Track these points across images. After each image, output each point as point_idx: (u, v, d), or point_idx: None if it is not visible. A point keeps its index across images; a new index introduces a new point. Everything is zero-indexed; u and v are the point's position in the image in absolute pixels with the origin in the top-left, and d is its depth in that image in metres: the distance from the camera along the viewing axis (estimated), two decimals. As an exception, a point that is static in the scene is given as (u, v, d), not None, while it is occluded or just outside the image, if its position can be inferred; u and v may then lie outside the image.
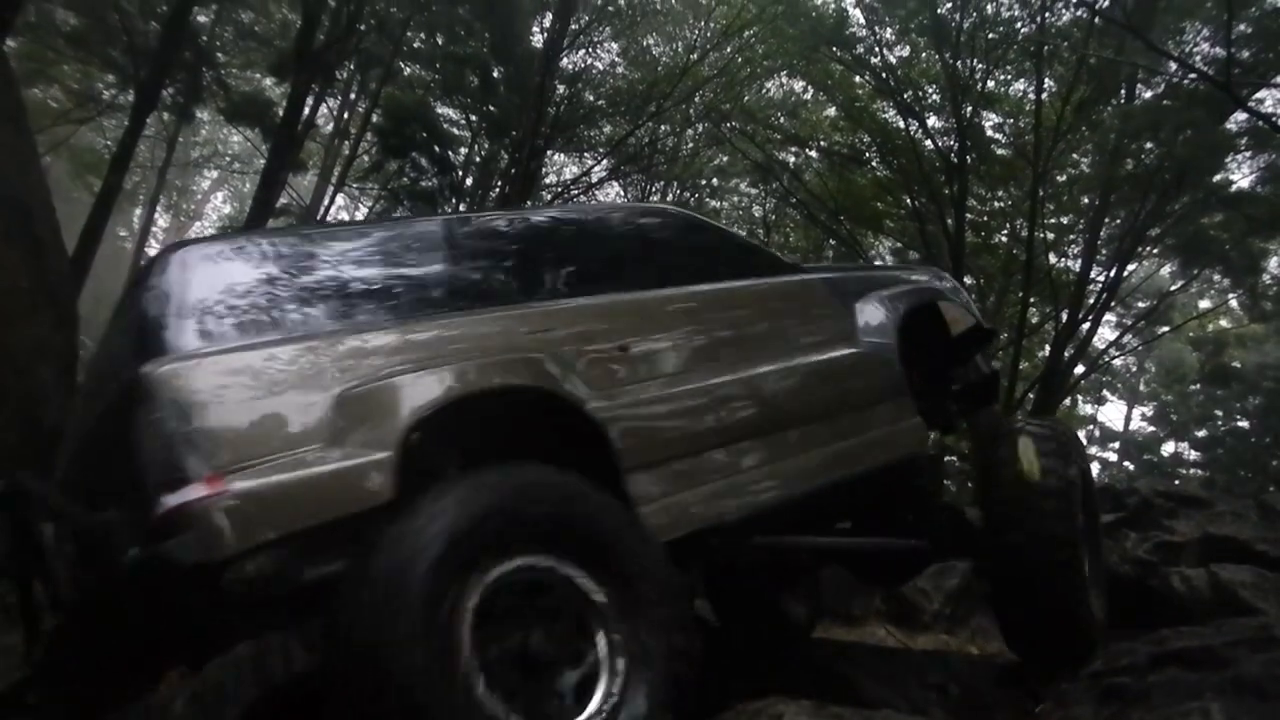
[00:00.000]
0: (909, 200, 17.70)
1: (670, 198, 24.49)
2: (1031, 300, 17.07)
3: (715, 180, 24.78)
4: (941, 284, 5.22)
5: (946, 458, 16.38)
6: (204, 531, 2.38)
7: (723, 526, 3.45)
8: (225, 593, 2.44)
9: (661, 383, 3.52)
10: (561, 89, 18.21)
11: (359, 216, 22.76)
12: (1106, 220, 17.05)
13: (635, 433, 3.26)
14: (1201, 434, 29.95)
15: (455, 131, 18.97)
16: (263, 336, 2.90)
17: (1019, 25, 16.25)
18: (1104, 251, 17.26)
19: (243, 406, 2.63)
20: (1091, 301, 16.93)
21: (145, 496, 2.45)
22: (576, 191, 20.08)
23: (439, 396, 2.85)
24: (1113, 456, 36.24)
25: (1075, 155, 17.66)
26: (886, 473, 4.29)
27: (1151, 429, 35.12)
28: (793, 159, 20.97)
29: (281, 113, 14.46)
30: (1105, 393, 35.14)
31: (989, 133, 17.81)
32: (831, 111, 19.91)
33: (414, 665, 2.21)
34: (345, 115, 21.26)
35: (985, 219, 18.51)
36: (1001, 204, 18.41)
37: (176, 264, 3.03)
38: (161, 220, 36.31)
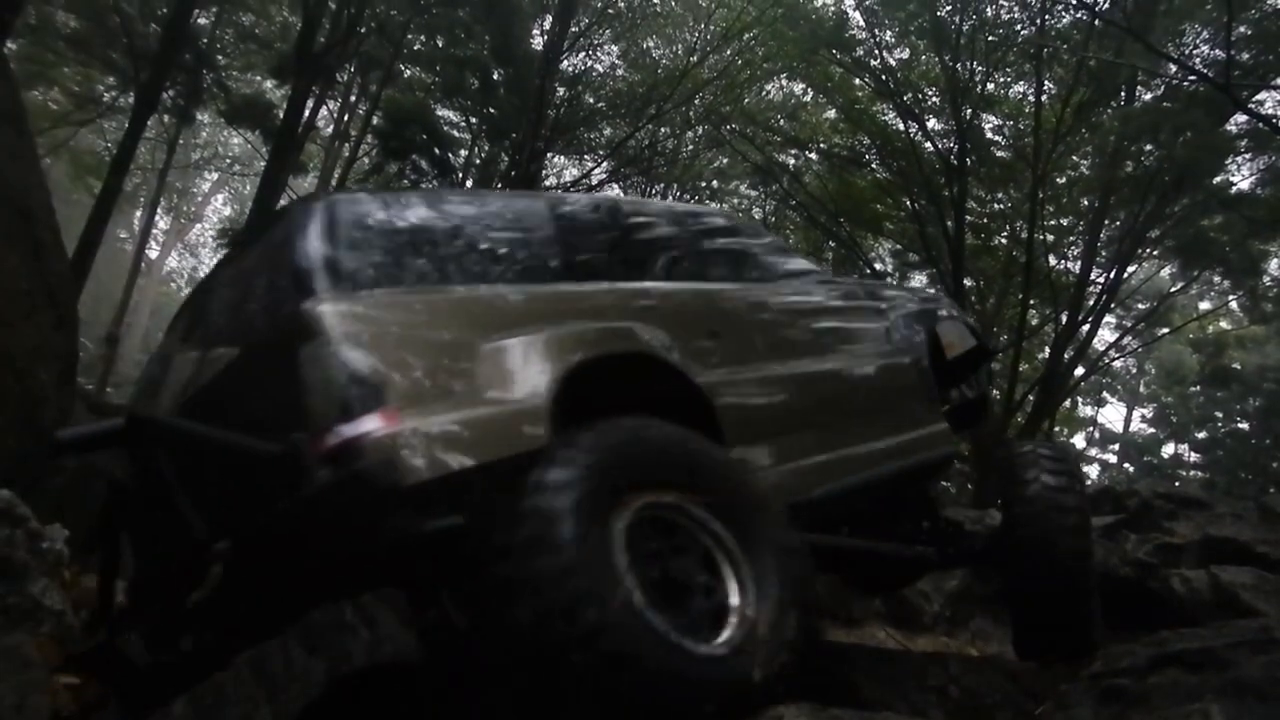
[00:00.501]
0: (909, 202, 17.72)
1: (670, 199, 24.53)
2: (1031, 302, 17.08)
3: (715, 182, 24.78)
4: (939, 308, 5.60)
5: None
6: (384, 461, 2.50)
7: (803, 504, 3.63)
8: (392, 526, 2.55)
9: (749, 367, 3.82)
10: (561, 91, 18.23)
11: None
12: (1106, 222, 17.07)
13: (732, 408, 3.48)
14: (1201, 436, 29.97)
15: (455, 134, 18.97)
16: (410, 284, 3.05)
17: (1019, 28, 16.28)
18: (1104, 253, 17.27)
19: (411, 346, 2.79)
20: (1091, 303, 16.95)
21: (314, 426, 2.56)
22: (577, 194, 20.08)
23: (582, 353, 3.07)
24: (1113, 458, 36.27)
25: (1075, 157, 17.68)
26: (922, 470, 4.74)
27: (1151, 431, 35.15)
28: (793, 161, 21.01)
29: (282, 115, 14.48)
30: (1105, 394, 35.19)
31: (989, 135, 17.84)
32: (831, 114, 19.95)
33: (580, 587, 2.30)
34: (345, 117, 21.26)
35: (985, 221, 18.52)
36: (1001, 206, 18.43)
37: (327, 210, 3.13)
38: (162, 222, 36.40)
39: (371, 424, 2.54)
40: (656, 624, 2.39)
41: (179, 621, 2.90)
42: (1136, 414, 37.55)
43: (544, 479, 2.50)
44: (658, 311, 3.57)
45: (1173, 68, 14.15)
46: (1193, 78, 13.65)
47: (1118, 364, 30.27)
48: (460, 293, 3.13)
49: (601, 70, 20.40)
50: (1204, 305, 25.14)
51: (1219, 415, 29.34)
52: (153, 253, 37.98)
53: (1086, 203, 17.58)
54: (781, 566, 2.79)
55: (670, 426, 2.92)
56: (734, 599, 2.68)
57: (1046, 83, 16.12)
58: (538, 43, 17.93)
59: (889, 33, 17.34)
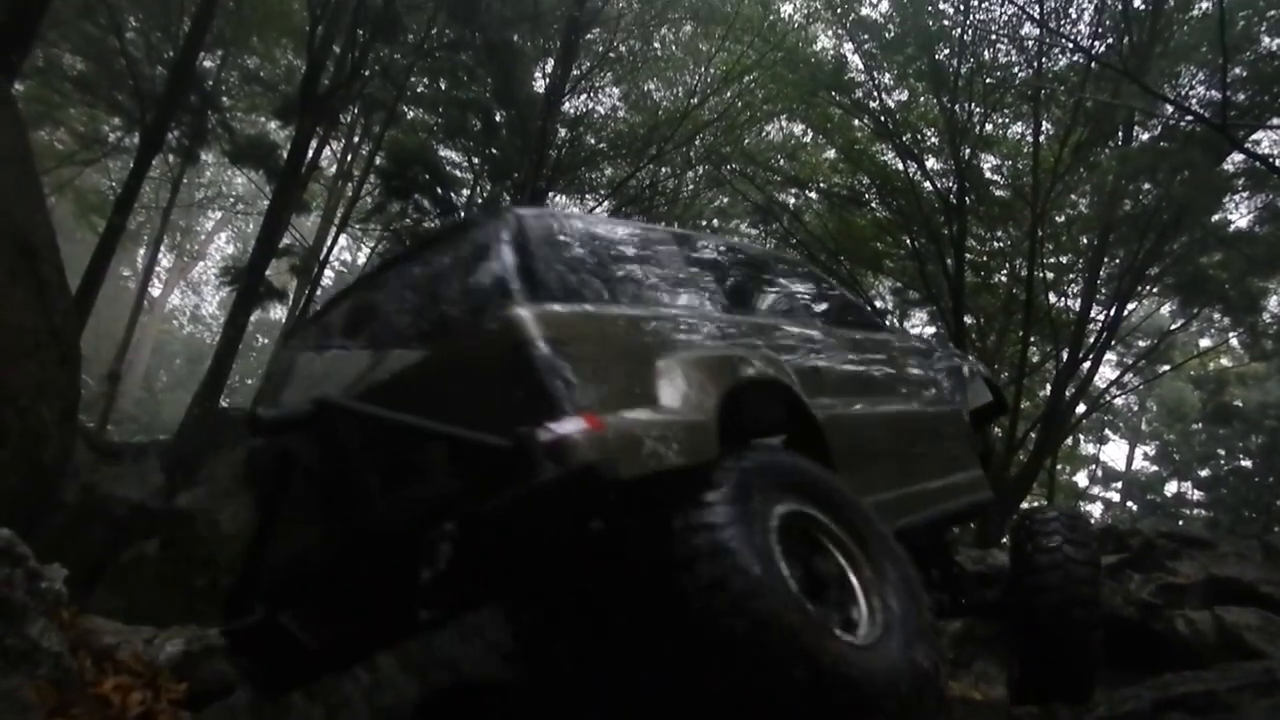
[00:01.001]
0: (908, 241, 17.79)
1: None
2: (1032, 339, 17.09)
3: (716, 221, 24.88)
4: (964, 363, 6.07)
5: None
6: (600, 458, 2.71)
7: None
8: (602, 517, 2.83)
9: (848, 401, 4.22)
10: (563, 132, 18.38)
11: (361, 258, 22.74)
12: (1106, 260, 17.10)
13: (838, 438, 3.76)
14: (1204, 473, 29.81)
15: (457, 174, 19.10)
16: (590, 298, 3.34)
17: (1016, 70, 16.45)
18: (1104, 291, 17.29)
19: (606, 356, 3.10)
20: (1092, 340, 16.94)
21: (527, 422, 2.73)
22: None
23: (741, 376, 3.42)
24: (1115, 496, 36.08)
25: (1074, 196, 17.75)
26: (967, 513, 5.33)
27: (1154, 468, 34.98)
28: (793, 200, 21.10)
29: (286, 155, 14.59)
30: (1107, 432, 35.10)
31: (987, 174, 17.94)
32: (831, 154, 20.09)
33: (754, 580, 2.64)
34: (349, 157, 21.42)
35: (985, 259, 18.58)
36: (1001, 244, 18.50)
37: (522, 222, 3.39)
38: (165, 260, 36.54)
39: (578, 424, 2.74)
40: (814, 614, 2.73)
41: (417, 596, 2.95)
42: (1139, 451, 37.45)
43: (723, 488, 2.85)
44: (788, 345, 4.02)
45: (1169, 108, 14.28)
46: (1190, 118, 13.78)
47: (1119, 401, 30.20)
48: (640, 311, 3.48)
49: (603, 112, 20.60)
50: (1204, 342, 25.13)
51: (1221, 453, 29.19)
52: (155, 290, 38.13)
53: (1086, 241, 17.63)
54: (898, 571, 3.13)
55: (799, 455, 3.35)
56: (863, 595, 3.02)
57: (1044, 123, 16.23)
58: (539, 85, 18.12)
59: (888, 75, 17.52)
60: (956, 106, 16.10)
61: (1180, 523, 26.26)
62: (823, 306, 4.93)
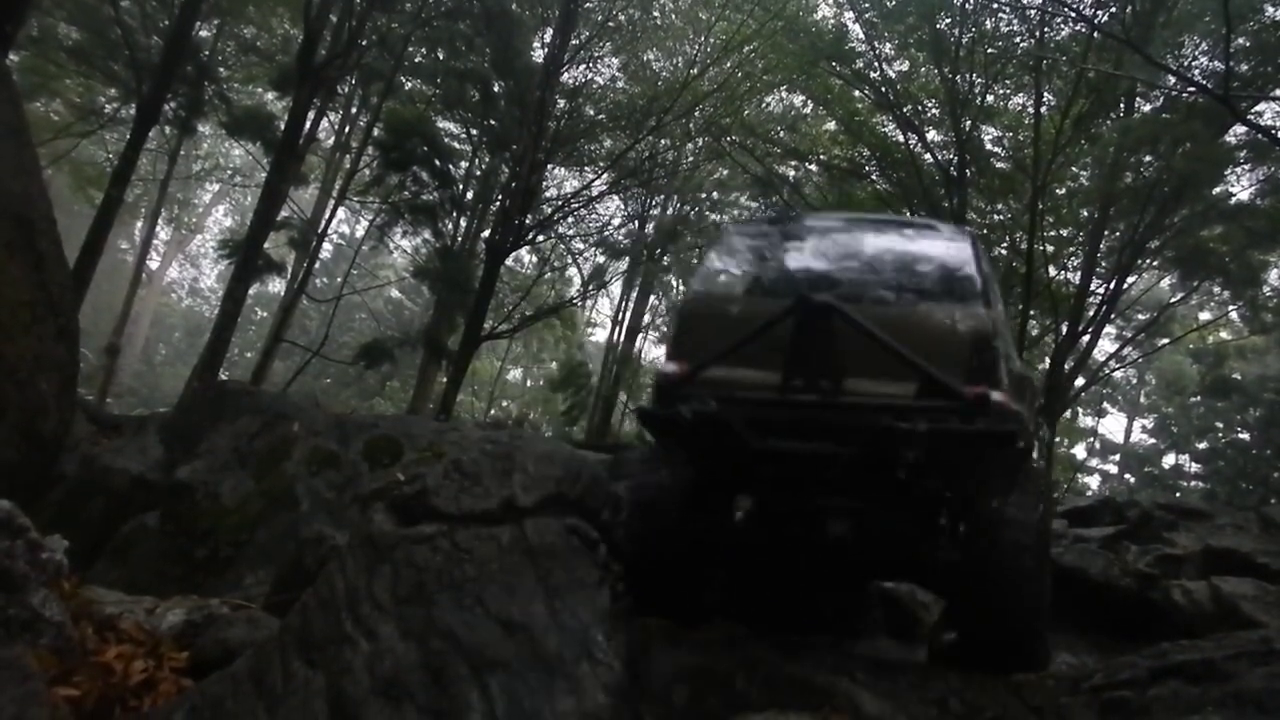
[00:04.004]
0: (909, 213, 17.73)
1: (670, 211, 24.55)
2: (1031, 313, 17.08)
3: (715, 194, 24.83)
4: None
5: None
6: (1010, 417, 3.97)
7: None
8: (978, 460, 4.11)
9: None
10: (562, 103, 18.27)
11: (359, 231, 22.71)
12: (1106, 233, 17.08)
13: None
14: (1202, 446, 29.92)
15: (456, 145, 19.03)
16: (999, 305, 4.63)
17: (1018, 40, 16.34)
18: (1104, 264, 17.29)
19: (1010, 351, 4.49)
20: (1091, 314, 16.95)
21: (968, 383, 3.88)
22: (577, 205, 20.13)
23: (1020, 366, 4.82)
24: (1113, 469, 36.28)
25: (1074, 168, 17.71)
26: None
27: (1152, 441, 35.13)
28: (793, 173, 21.05)
29: (283, 127, 14.51)
30: (1106, 405, 35.23)
31: (988, 146, 17.88)
32: (831, 126, 20.02)
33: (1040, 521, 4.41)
34: (346, 129, 21.33)
35: (985, 232, 18.52)
36: (1001, 217, 18.46)
37: (975, 240, 4.71)
38: (162, 233, 36.45)
39: (1007, 399, 3.97)
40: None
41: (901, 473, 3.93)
42: (1137, 424, 37.60)
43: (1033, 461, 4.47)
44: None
45: (1171, 79, 14.19)
46: (1191, 89, 13.69)
47: (1118, 374, 30.28)
48: (1001, 308, 4.59)
49: (602, 83, 20.48)
50: (1204, 315, 25.13)
51: (1219, 425, 29.29)
52: (153, 263, 38.07)
53: (1086, 213, 17.59)
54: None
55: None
56: None
57: (1046, 94, 16.16)
58: (538, 55, 18.00)
59: (889, 45, 17.40)
60: (957, 77, 16.02)
61: (1178, 495, 26.40)
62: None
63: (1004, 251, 18.43)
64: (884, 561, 4.84)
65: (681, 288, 27.51)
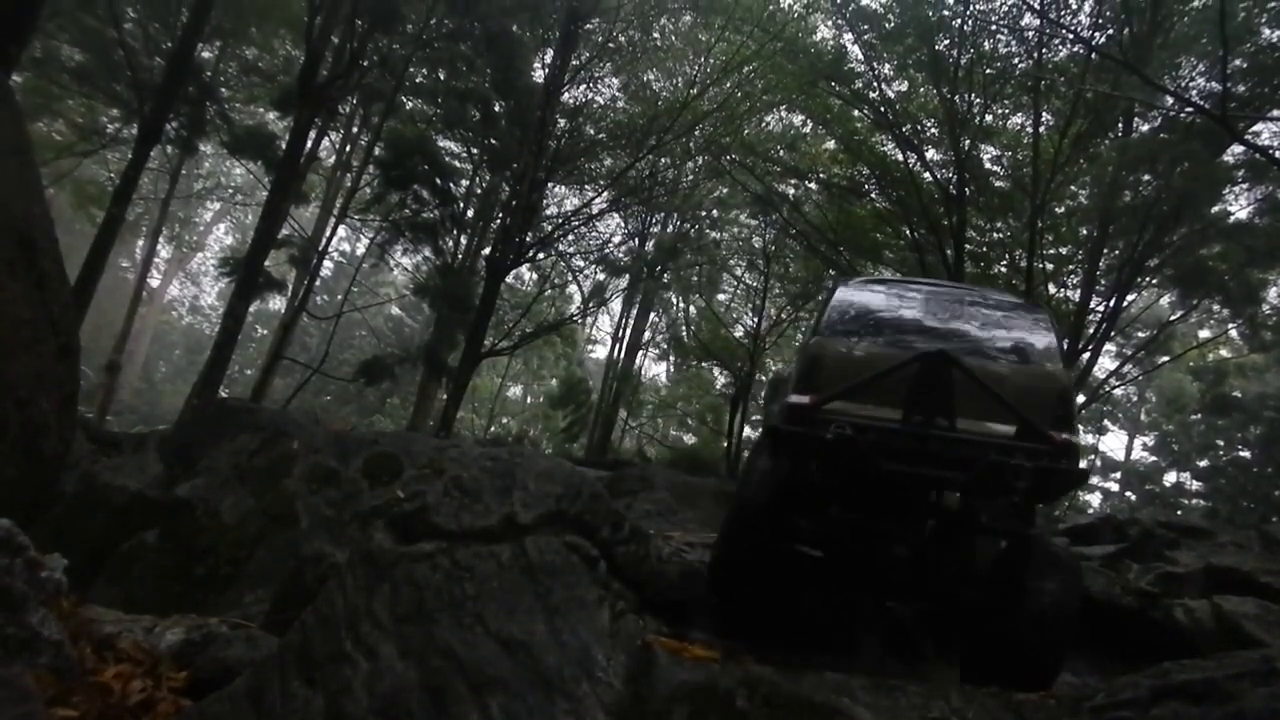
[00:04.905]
0: (908, 231, 17.79)
1: (670, 229, 24.62)
2: (1031, 331, 17.03)
3: (715, 212, 24.90)
4: None
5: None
6: (1081, 467, 4.99)
7: None
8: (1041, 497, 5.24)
9: None
10: (562, 123, 18.36)
11: (360, 249, 22.77)
12: (1105, 251, 17.11)
13: None
14: (1203, 464, 29.88)
15: (457, 164, 19.10)
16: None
17: (1016, 61, 16.41)
18: (1103, 282, 17.30)
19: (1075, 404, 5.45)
20: (1091, 331, 16.95)
21: (1049, 432, 4.78)
22: (578, 223, 20.18)
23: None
24: (1114, 486, 36.18)
25: (1073, 187, 17.76)
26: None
27: (1153, 459, 35.07)
28: (792, 191, 21.12)
29: (284, 146, 14.56)
30: (1106, 422, 35.19)
31: (987, 165, 17.94)
32: (831, 144, 20.09)
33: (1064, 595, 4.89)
34: (347, 148, 21.39)
35: (984, 250, 18.58)
36: (1000, 235, 18.49)
37: (1052, 315, 5.88)
38: (163, 251, 36.51)
39: (1077, 443, 4.91)
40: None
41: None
42: (1138, 442, 37.54)
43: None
44: None
45: (1169, 100, 14.25)
46: (1189, 109, 13.75)
47: (1118, 392, 30.25)
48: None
49: (602, 102, 20.59)
50: (1204, 333, 25.17)
51: (1220, 443, 29.27)
52: (154, 281, 38.12)
53: (1085, 232, 17.64)
54: None
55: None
56: None
57: (1044, 114, 16.23)
58: (539, 75, 18.08)
59: (888, 66, 17.49)
60: (956, 97, 16.08)
61: (1179, 513, 26.32)
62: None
63: (1003, 269, 18.48)
64: (923, 585, 5.51)
65: (681, 304, 27.54)
